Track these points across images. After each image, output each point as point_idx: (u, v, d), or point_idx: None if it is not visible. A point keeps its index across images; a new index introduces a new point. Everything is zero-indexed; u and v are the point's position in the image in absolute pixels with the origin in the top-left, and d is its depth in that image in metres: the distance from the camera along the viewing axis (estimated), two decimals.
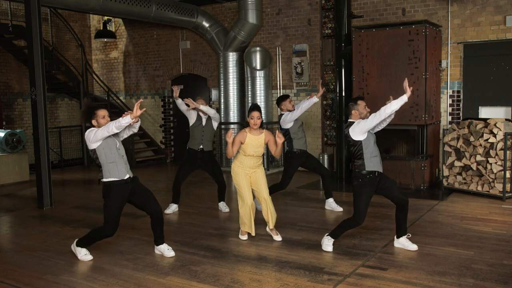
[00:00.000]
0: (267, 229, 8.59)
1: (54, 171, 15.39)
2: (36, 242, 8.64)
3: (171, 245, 8.17)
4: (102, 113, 7.36)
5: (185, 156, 10.57)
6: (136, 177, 7.67)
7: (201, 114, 10.35)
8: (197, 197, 11.76)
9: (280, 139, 8.08)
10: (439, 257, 7.30)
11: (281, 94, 10.29)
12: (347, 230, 7.91)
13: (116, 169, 7.37)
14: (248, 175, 8.44)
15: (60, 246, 8.34)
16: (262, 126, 8.42)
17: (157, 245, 7.86)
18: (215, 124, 10.51)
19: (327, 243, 7.79)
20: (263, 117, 15.13)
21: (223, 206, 10.67)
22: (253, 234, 8.51)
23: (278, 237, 8.47)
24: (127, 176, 7.45)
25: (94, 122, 7.35)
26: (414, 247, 7.67)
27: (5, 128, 16.58)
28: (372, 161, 7.55)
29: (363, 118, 7.67)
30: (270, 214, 8.43)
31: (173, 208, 10.68)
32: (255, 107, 8.30)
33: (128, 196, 7.50)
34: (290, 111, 10.17)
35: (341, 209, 10.37)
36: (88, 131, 7.31)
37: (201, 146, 10.37)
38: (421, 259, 7.24)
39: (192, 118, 10.40)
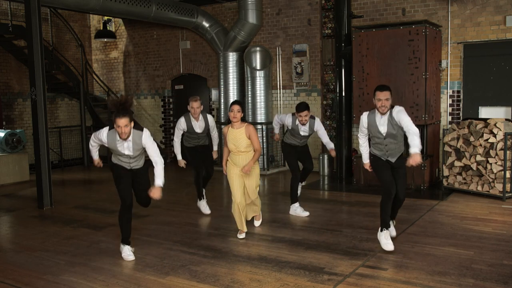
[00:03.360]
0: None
1: (54, 171, 15.40)
2: (36, 242, 8.64)
3: (171, 245, 8.20)
4: (119, 122, 7.08)
5: (187, 154, 10.51)
6: (141, 170, 7.74)
7: (193, 120, 10.16)
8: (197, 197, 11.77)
9: None
10: (439, 257, 7.30)
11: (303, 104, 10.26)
12: (385, 209, 7.85)
13: (116, 159, 7.62)
14: (240, 172, 8.47)
15: (60, 246, 8.34)
16: (244, 120, 8.48)
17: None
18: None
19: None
20: (263, 117, 15.27)
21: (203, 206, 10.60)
22: (244, 230, 8.63)
23: (257, 222, 8.70)
24: (129, 168, 7.61)
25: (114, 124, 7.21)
26: (388, 247, 7.64)
27: (5, 128, 16.59)
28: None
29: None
30: (249, 207, 8.64)
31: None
32: (235, 101, 8.49)
33: (130, 176, 7.63)
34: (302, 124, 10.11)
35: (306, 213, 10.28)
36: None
37: (199, 144, 10.31)
38: (421, 259, 7.24)
39: (184, 129, 10.25)
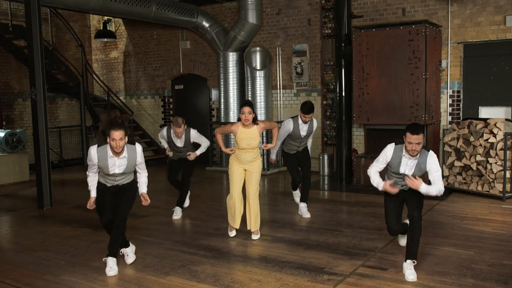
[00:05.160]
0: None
1: (54, 171, 15.39)
2: (36, 242, 8.64)
3: (171, 245, 8.21)
4: (114, 135, 6.82)
5: (168, 165, 10.57)
6: (127, 186, 7.43)
7: (175, 137, 10.16)
8: (197, 197, 11.77)
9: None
10: (439, 257, 7.31)
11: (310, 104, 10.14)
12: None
13: (102, 179, 7.36)
14: (243, 169, 8.49)
15: (60, 246, 8.35)
16: (255, 121, 8.37)
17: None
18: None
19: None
20: (262, 117, 15.26)
21: (178, 211, 10.44)
22: (236, 227, 8.65)
23: (255, 236, 8.55)
24: (109, 185, 7.33)
25: (108, 138, 6.93)
26: (411, 277, 6.71)
27: (5, 128, 16.58)
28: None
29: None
30: (252, 213, 8.49)
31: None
32: (246, 103, 8.37)
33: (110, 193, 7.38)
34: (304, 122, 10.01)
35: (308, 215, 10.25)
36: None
37: (181, 156, 10.30)
38: (421, 259, 7.23)
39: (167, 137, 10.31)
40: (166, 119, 18.80)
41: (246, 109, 8.22)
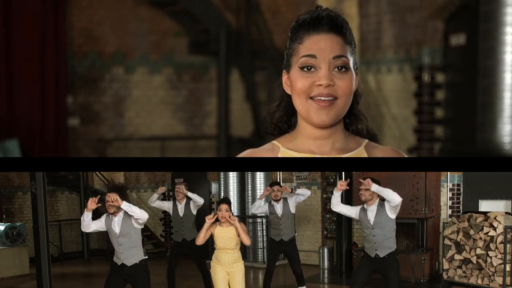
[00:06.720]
0: None
1: (54, 264, 15.23)
2: None
3: None
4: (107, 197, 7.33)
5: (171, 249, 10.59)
6: (136, 266, 7.60)
7: (177, 202, 10.35)
8: None
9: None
10: None
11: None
12: None
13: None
14: (226, 272, 8.15)
15: None
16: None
17: None
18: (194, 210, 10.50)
19: None
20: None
21: None
22: None
23: None
24: (120, 263, 7.51)
25: None
26: None
27: (5, 222, 16.56)
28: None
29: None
30: None
31: None
32: (223, 200, 8.31)
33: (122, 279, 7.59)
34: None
35: None
36: None
37: (183, 237, 10.34)
38: None
39: (169, 209, 10.47)
40: (166, 212, 18.66)
41: (223, 206, 7.94)
